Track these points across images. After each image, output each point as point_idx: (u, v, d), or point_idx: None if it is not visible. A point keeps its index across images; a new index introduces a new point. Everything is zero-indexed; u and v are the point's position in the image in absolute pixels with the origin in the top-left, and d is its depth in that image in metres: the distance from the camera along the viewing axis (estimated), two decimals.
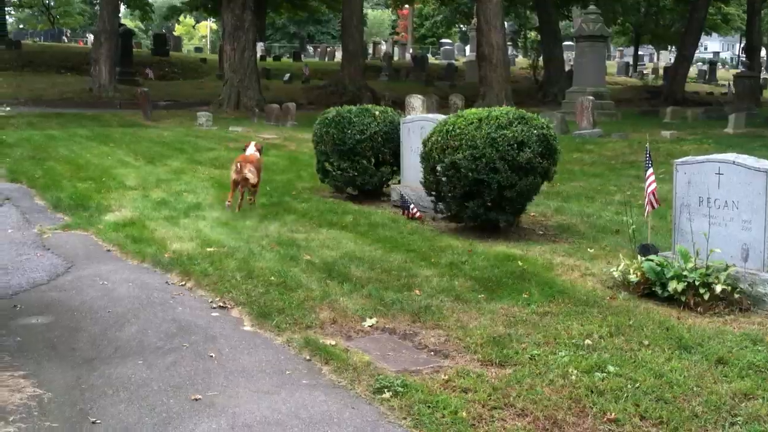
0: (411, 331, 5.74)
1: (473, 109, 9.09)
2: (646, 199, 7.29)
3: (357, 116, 11.02)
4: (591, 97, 20.24)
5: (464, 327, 5.70)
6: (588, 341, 5.34)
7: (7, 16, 57.04)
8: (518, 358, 5.06)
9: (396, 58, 52.54)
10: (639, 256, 6.91)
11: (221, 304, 6.29)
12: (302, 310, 6.07)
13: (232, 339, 5.52)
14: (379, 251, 7.85)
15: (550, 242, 8.53)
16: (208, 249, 7.85)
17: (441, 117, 10.09)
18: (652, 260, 6.58)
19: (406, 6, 59.52)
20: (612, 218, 9.72)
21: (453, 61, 48.97)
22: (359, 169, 10.93)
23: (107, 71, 30.28)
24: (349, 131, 10.86)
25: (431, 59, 54.21)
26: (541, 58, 47.46)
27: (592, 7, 25.46)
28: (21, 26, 79.51)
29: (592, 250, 8.08)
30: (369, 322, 5.94)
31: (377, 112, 11.23)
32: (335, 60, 51.70)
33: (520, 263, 7.36)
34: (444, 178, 8.72)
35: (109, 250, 8.10)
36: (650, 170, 7.25)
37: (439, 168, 8.76)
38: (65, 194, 10.80)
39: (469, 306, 6.17)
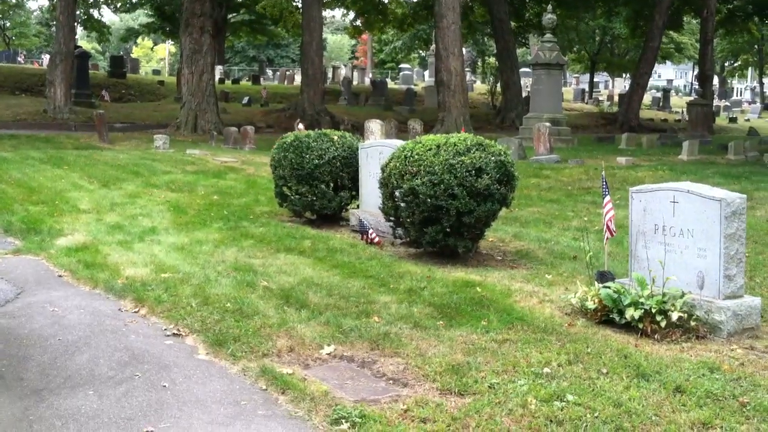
0: (370, 359, 5.67)
1: (431, 136, 9.10)
2: (604, 226, 7.34)
3: (315, 141, 10.98)
4: (548, 124, 20.46)
5: (423, 355, 5.65)
6: (547, 369, 5.32)
7: None
8: (477, 386, 5.01)
9: (355, 82, 52.69)
10: (596, 283, 6.93)
11: (175, 332, 6.16)
12: (259, 337, 5.97)
13: (186, 368, 5.40)
14: (337, 277, 7.78)
15: (509, 268, 8.53)
16: (163, 275, 7.71)
17: (399, 143, 10.09)
18: (609, 287, 6.60)
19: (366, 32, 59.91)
20: (569, 244, 9.78)
21: (412, 86, 49.29)
22: (318, 194, 10.86)
23: (63, 93, 29.86)
24: (308, 156, 10.80)
25: (391, 84, 54.52)
26: (499, 84, 48.16)
27: (548, 36, 25.81)
28: None
29: (550, 276, 8.10)
30: (327, 349, 5.86)
31: (336, 137, 11.19)
32: (294, 84, 51.69)
33: (478, 289, 7.35)
34: (403, 204, 8.70)
35: (60, 276, 7.91)
36: (607, 197, 7.31)
37: (397, 193, 8.74)
38: (16, 218, 10.56)
39: (428, 333, 6.13)
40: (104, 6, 53.19)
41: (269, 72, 64.30)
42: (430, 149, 8.66)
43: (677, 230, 6.55)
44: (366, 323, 6.33)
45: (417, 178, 8.52)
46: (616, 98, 55.25)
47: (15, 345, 5.78)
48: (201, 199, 12.85)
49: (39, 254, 8.73)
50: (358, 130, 27.02)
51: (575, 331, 6.24)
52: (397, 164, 8.80)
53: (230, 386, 5.10)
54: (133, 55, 72.00)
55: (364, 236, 9.90)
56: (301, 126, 23.45)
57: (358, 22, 51.08)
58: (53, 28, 54.92)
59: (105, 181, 14.08)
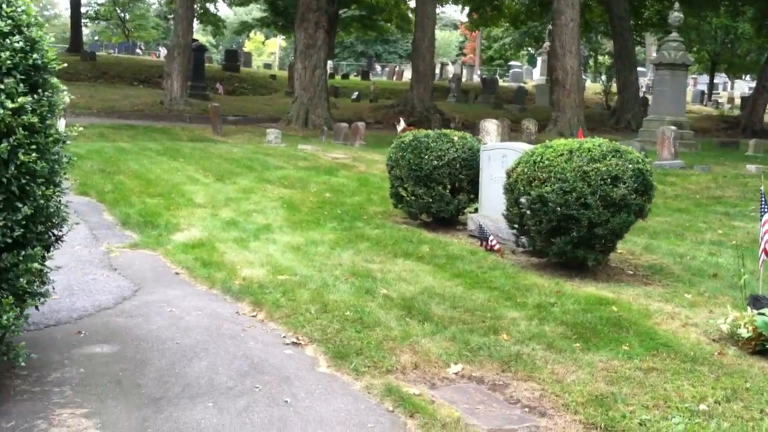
0: (501, 382, 5.25)
1: (562, 140, 8.56)
2: (761, 248, 6.66)
3: (435, 141, 10.59)
4: (673, 128, 19.46)
5: (561, 381, 5.18)
6: (703, 406, 4.77)
7: (83, 29, 58.40)
8: (626, 423, 4.52)
9: (464, 79, 52.13)
10: (749, 308, 6.29)
11: (295, 340, 5.88)
12: (381, 351, 5.63)
13: (307, 382, 5.10)
14: (459, 287, 7.36)
15: (642, 284, 7.93)
16: (280, 277, 7.48)
17: (525, 146, 9.60)
18: (764, 314, 5.96)
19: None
20: (706, 259, 9.07)
21: (522, 84, 48.31)
22: (435, 196, 10.47)
23: (179, 85, 30.51)
24: (426, 156, 10.43)
25: (500, 82, 53.69)
26: (612, 84, 46.63)
27: (674, 35, 24.59)
28: (96, 38, 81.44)
29: (690, 295, 7.46)
30: (454, 368, 5.47)
31: (456, 138, 10.77)
32: (403, 80, 51.59)
33: (614, 308, 6.80)
34: (529, 212, 8.21)
35: (177, 273, 7.79)
36: (766, 215, 6.63)
37: (523, 200, 8.26)
38: (134, 210, 10.60)
39: (564, 356, 5.64)
40: (220, 0, 54.55)
41: (377, 68, 64.43)
42: (561, 155, 8.13)
43: None
44: (495, 341, 5.90)
45: (547, 185, 8.01)
46: (737, 101, 52.83)
47: (132, 347, 5.62)
48: (314, 197, 12.67)
49: (156, 249, 8.66)
50: (469, 128, 26.55)
51: (728, 362, 5.63)
52: (525, 169, 8.31)
53: (355, 405, 4.76)
54: (245, 49, 73.42)
55: (484, 243, 9.46)
56: (402, 124, 23.16)
57: (471, 18, 50.55)
58: (171, 21, 56.63)
59: (220, 175, 14.09)
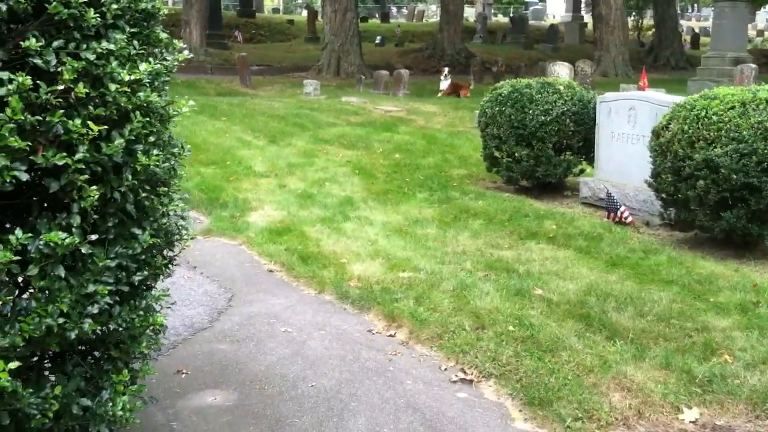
0: None
1: (729, 89, 7.02)
2: None
3: (539, 93, 9.03)
4: (753, 65, 17.79)
5: None
6: None
7: None
8: None
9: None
10: None
11: (462, 375, 4.47)
12: (583, 389, 4.22)
13: None
14: (628, 283, 5.90)
15: None
16: (401, 274, 6.03)
17: (664, 97, 8.10)
18: None
19: None
20: None
21: (554, 22, 46.11)
22: (542, 158, 8.96)
23: (198, 34, 28.64)
24: (531, 111, 8.90)
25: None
26: (645, 20, 44.50)
27: None
28: None
29: None
30: (688, 414, 4.07)
31: (562, 88, 9.21)
32: (424, 21, 49.47)
33: None
34: (693, 180, 6.71)
35: (271, 271, 6.34)
36: None
37: (686, 166, 6.74)
38: (192, 184, 9.10)
39: None
40: None
41: (393, 9, 62.02)
42: (732, 107, 6.61)
43: None
44: (721, 368, 4.47)
45: (716, 147, 6.50)
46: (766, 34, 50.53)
47: (256, 394, 4.21)
48: (383, 159, 11.17)
49: (235, 237, 7.21)
50: (513, 72, 24.79)
51: None
52: (685, 127, 6.78)
53: None
54: None
55: (612, 214, 7.99)
56: (446, 71, 21.37)
57: None
58: None
59: (272, 136, 12.56)
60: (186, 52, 3.53)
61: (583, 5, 45.90)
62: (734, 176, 6.39)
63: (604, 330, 4.99)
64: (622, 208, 7.91)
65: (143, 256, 2.89)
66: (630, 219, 7.84)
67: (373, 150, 11.87)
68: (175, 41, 3.32)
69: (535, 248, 6.79)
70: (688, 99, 7.13)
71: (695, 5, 74.97)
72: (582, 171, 9.37)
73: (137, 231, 2.85)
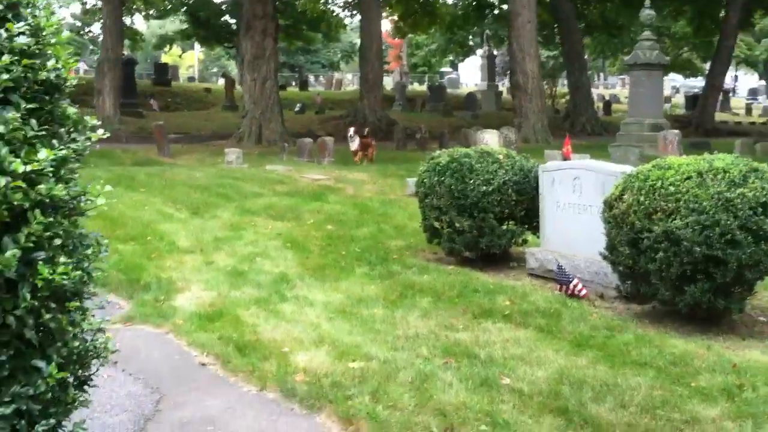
0: None
1: (682, 159, 6.76)
2: None
3: (479, 162, 8.69)
4: (676, 131, 18.09)
5: None
6: None
7: None
8: None
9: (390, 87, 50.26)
10: None
11: None
12: None
13: None
14: (600, 366, 5.43)
15: None
16: (351, 364, 5.42)
17: (608, 166, 7.85)
18: None
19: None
20: None
21: (470, 91, 46.85)
22: (484, 229, 8.56)
23: (112, 103, 27.80)
24: (472, 181, 8.52)
25: (420, 87, 52.01)
26: (557, 88, 45.75)
27: (647, 33, 23.18)
28: None
29: None
30: None
31: (501, 156, 8.90)
32: (343, 89, 49.60)
33: None
34: (653, 253, 6.36)
35: (204, 364, 5.64)
36: None
37: (645, 238, 6.39)
38: (110, 263, 8.31)
39: None
40: (137, 13, 51.13)
41: (311, 78, 62.22)
42: (689, 178, 6.32)
43: None
44: None
45: (675, 219, 6.19)
46: (675, 99, 52.70)
47: None
48: (315, 230, 10.60)
49: (161, 325, 6.48)
50: (438, 140, 24.67)
51: None
52: (640, 198, 6.46)
53: None
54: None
55: (564, 287, 7.59)
56: (357, 139, 20.86)
57: (399, 24, 48.45)
58: (85, 37, 53.05)
59: (195, 208, 11.85)
60: (101, 131, 2.92)
61: (497, 74, 46.88)
62: (697, 249, 6.07)
63: (587, 426, 4.48)
64: (575, 281, 7.52)
65: (49, 395, 2.23)
66: (584, 292, 7.45)
67: (304, 221, 11.29)
68: (87, 117, 2.71)
69: (492, 328, 6.29)
70: (641, 169, 6.83)
71: (601, 74, 77.84)
72: (525, 241, 9.01)
73: (40, 363, 2.19)
